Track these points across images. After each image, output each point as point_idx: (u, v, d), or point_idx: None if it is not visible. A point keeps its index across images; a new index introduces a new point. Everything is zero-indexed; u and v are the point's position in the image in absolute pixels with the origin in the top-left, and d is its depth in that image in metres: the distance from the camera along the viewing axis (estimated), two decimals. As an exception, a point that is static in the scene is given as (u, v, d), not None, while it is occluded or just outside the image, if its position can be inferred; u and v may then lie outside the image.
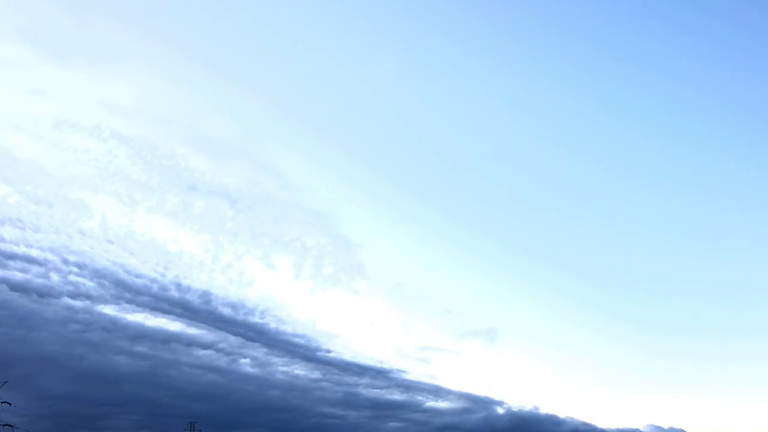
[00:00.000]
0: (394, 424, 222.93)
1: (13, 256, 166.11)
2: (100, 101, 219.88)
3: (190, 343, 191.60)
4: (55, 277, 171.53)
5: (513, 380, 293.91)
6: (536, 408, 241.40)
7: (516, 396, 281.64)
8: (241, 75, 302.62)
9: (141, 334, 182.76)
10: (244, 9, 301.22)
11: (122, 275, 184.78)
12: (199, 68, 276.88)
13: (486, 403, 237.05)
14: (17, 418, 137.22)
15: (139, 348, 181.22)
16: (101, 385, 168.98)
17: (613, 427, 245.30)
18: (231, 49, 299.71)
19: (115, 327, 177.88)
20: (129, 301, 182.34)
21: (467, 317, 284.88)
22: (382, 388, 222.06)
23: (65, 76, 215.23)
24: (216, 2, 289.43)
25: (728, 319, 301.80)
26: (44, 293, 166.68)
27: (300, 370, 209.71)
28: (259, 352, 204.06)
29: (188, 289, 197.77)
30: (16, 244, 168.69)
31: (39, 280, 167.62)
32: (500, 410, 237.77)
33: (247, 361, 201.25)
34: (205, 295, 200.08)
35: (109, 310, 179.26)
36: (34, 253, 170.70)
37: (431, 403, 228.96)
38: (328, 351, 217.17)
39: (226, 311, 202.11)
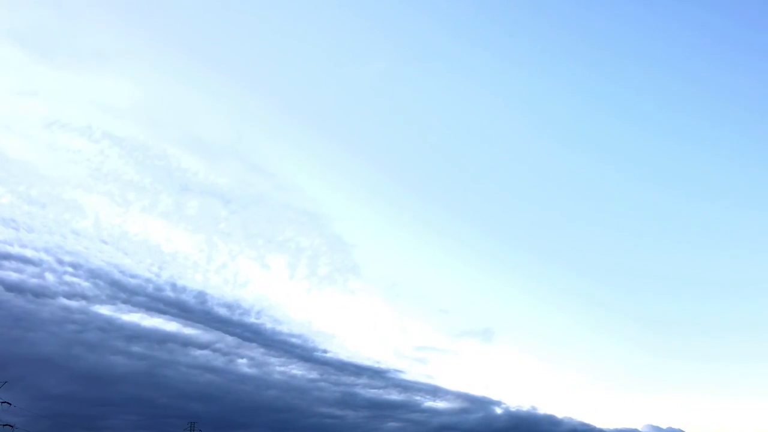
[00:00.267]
0: (392, 424, 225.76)
1: (7, 257, 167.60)
2: (91, 102, 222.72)
3: (186, 343, 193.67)
4: (50, 277, 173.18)
5: (510, 380, 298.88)
6: (534, 408, 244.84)
7: (514, 396, 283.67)
8: (232, 74, 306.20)
9: (137, 335, 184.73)
10: (236, 9, 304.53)
11: (117, 275, 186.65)
12: (189, 68, 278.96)
13: (484, 403, 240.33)
14: (17, 418, 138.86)
15: (136, 348, 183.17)
16: (99, 385, 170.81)
17: (611, 427, 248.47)
18: (222, 48, 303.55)
19: (111, 327, 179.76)
20: (125, 301, 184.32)
21: (464, 317, 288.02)
22: (379, 388, 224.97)
23: (56, 76, 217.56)
24: (208, 3, 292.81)
25: (728, 319, 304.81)
26: (40, 293, 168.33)
27: (297, 370, 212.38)
28: (256, 352, 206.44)
29: (183, 289, 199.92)
30: (11, 245, 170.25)
31: (34, 281, 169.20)
32: (498, 410, 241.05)
33: (244, 361, 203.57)
34: (201, 296, 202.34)
35: (104, 310, 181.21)
36: (29, 253, 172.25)
37: (429, 403, 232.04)
38: (325, 351, 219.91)
39: (222, 311, 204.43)
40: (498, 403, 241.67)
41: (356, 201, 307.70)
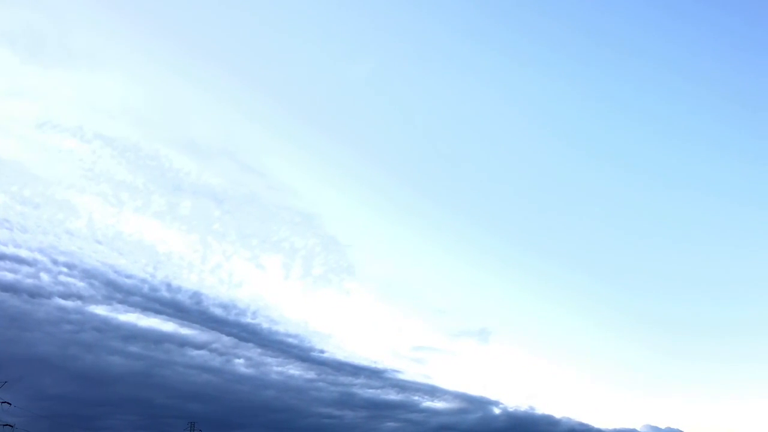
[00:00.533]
0: (391, 424, 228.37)
1: (2, 257, 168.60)
2: (82, 102, 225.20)
3: (183, 343, 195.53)
4: (45, 277, 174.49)
5: (508, 380, 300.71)
6: (532, 408, 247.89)
7: (511, 396, 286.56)
8: (223, 74, 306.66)
9: (134, 335, 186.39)
10: (228, 9, 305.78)
11: (112, 276, 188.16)
12: (180, 68, 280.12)
13: (482, 404, 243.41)
14: (16, 419, 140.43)
15: (133, 348, 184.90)
16: (97, 385, 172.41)
17: (609, 427, 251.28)
18: (214, 48, 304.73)
19: (107, 327, 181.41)
20: (120, 302, 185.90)
21: (460, 317, 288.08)
22: (377, 388, 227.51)
23: (46, 77, 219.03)
24: (199, 2, 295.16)
25: (727, 319, 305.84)
26: (35, 293, 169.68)
27: (295, 370, 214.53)
28: (253, 352, 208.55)
29: (178, 289, 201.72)
30: (5, 245, 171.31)
31: (29, 281, 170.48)
32: (496, 410, 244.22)
33: (242, 361, 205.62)
34: (196, 296, 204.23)
35: (100, 310, 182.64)
36: (23, 253, 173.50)
37: (428, 403, 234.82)
38: (322, 351, 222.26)
39: (218, 311, 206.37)
40: (496, 403, 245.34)
41: (350, 201, 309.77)
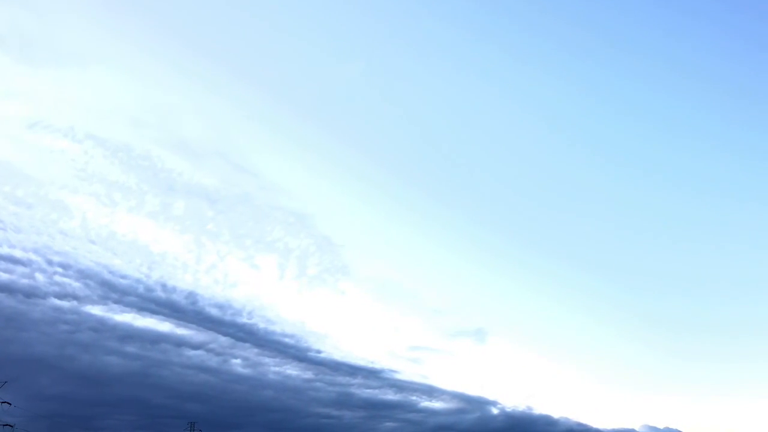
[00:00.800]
0: (389, 424, 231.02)
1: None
2: (73, 103, 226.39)
3: (179, 343, 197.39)
4: (40, 277, 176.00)
5: (506, 380, 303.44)
6: (530, 408, 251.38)
7: (509, 396, 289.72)
8: (214, 74, 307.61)
9: (130, 335, 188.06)
10: (219, 9, 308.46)
11: (107, 276, 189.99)
12: (170, 68, 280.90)
13: (480, 404, 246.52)
14: (15, 419, 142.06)
15: (130, 348, 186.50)
16: (94, 385, 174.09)
17: (608, 427, 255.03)
18: (204, 48, 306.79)
19: (103, 327, 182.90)
20: (116, 302, 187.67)
21: (457, 317, 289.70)
22: (375, 388, 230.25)
23: (36, 78, 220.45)
24: (190, 2, 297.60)
25: (727, 318, 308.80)
26: (30, 294, 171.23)
27: (292, 370, 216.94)
28: (250, 352, 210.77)
29: (174, 289, 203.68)
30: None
31: (24, 281, 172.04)
32: (494, 410, 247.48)
33: (239, 361, 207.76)
34: (191, 296, 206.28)
35: (96, 310, 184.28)
36: (18, 253, 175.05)
37: (426, 403, 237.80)
38: (319, 351, 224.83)
39: (214, 312, 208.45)
40: (494, 403, 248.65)
41: (344, 201, 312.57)
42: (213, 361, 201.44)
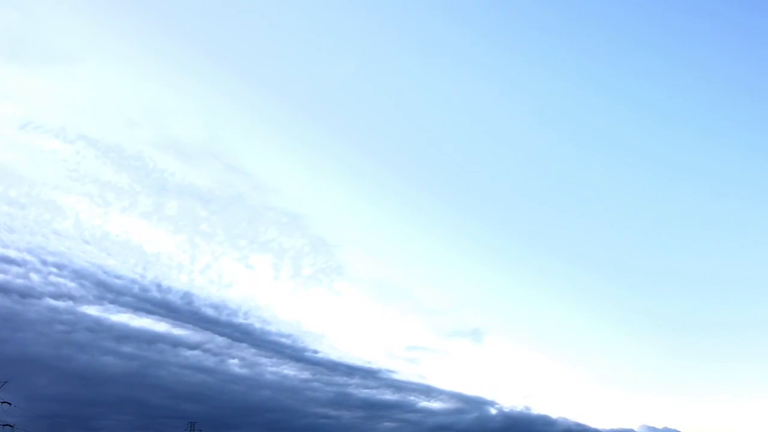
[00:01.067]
0: (388, 424, 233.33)
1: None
2: (63, 103, 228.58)
3: (176, 343, 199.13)
4: (35, 277, 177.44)
5: (504, 380, 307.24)
6: (527, 408, 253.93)
7: (507, 396, 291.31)
8: (205, 74, 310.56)
9: (126, 335, 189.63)
10: (210, 8, 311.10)
11: (102, 276, 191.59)
12: (161, 68, 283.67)
13: (478, 404, 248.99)
14: (15, 419, 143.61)
15: (126, 348, 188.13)
16: (91, 385, 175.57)
17: (606, 427, 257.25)
18: (195, 47, 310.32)
19: (99, 327, 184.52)
20: (112, 302, 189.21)
21: (453, 316, 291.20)
22: (373, 388, 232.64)
23: (26, 78, 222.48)
24: (181, 2, 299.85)
25: (726, 318, 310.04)
26: (26, 294, 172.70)
27: (289, 371, 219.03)
28: (247, 352, 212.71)
29: (169, 290, 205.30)
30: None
31: (19, 281, 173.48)
32: (492, 410, 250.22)
33: (236, 361, 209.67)
34: (187, 296, 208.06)
35: (92, 310, 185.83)
36: (12, 253, 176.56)
37: (424, 403, 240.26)
38: (316, 351, 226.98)
39: (210, 312, 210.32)
40: (492, 403, 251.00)
41: (337, 201, 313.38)
42: (210, 361, 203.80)
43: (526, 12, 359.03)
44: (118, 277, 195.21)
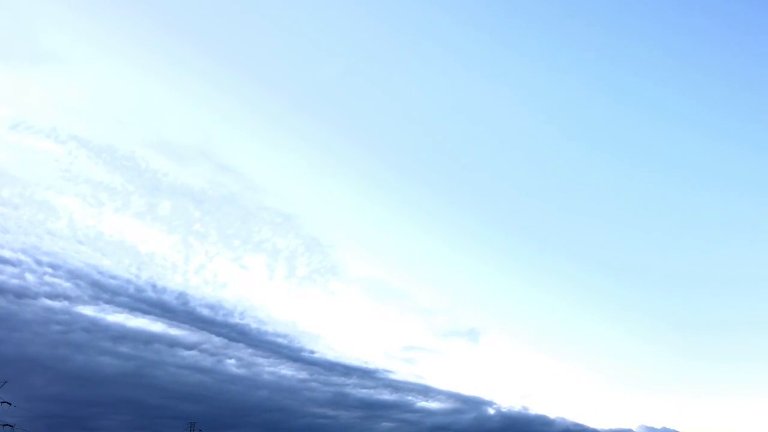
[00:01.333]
0: (386, 424, 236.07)
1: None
2: (54, 103, 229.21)
3: (173, 344, 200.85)
4: (30, 277, 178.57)
5: (501, 380, 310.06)
6: (525, 408, 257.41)
7: (505, 396, 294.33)
8: (197, 73, 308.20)
9: (123, 335, 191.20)
10: (200, 8, 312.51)
11: (97, 276, 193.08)
12: (151, 68, 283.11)
13: (476, 404, 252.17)
14: (14, 419, 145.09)
15: (123, 349, 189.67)
16: (89, 385, 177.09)
17: (605, 427, 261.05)
18: (187, 47, 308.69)
19: (96, 328, 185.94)
20: (107, 302, 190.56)
21: (449, 316, 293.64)
22: (370, 388, 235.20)
23: (16, 78, 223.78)
24: (171, 1, 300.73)
25: (726, 318, 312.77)
26: (21, 294, 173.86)
27: (287, 371, 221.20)
28: (244, 352, 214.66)
29: (164, 290, 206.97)
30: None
31: (15, 281, 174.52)
32: (491, 410, 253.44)
33: (233, 361, 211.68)
34: (182, 296, 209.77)
35: (88, 310, 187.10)
36: (6, 254, 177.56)
37: (422, 403, 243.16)
38: (312, 351, 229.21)
39: (206, 312, 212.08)
40: (490, 404, 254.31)
41: (331, 201, 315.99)
42: (207, 361, 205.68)
43: (529, 9, 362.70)
44: (113, 277, 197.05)
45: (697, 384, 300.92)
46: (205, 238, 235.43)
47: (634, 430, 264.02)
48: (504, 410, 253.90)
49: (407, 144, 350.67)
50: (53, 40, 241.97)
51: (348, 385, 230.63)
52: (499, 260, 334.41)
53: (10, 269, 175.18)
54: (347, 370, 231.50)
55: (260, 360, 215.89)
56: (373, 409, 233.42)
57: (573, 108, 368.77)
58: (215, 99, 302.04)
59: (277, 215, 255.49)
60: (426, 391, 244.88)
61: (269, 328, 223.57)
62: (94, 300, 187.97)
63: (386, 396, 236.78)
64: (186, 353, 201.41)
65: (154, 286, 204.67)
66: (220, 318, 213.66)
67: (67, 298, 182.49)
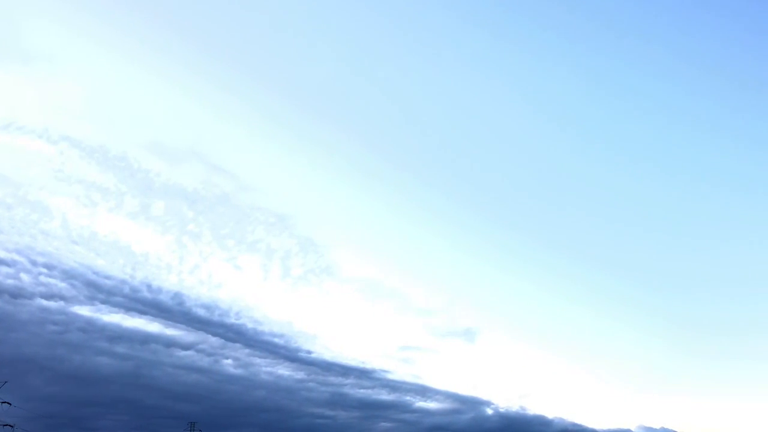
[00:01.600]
0: (385, 425, 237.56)
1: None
2: (46, 103, 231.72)
3: (170, 344, 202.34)
4: (25, 278, 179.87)
5: (499, 380, 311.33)
6: (523, 408, 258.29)
7: (503, 396, 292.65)
8: (188, 74, 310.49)
9: (119, 335, 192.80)
10: (193, 8, 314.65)
11: (92, 276, 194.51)
12: (143, 68, 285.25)
13: (474, 404, 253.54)
14: (14, 419, 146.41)
15: (120, 349, 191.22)
16: (86, 385, 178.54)
17: (603, 427, 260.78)
18: (179, 48, 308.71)
19: (92, 328, 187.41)
20: (103, 302, 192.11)
21: (446, 316, 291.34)
22: (368, 388, 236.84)
23: (7, 78, 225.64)
24: (164, 2, 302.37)
25: (725, 318, 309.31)
26: (17, 294, 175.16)
27: (284, 371, 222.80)
28: (241, 353, 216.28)
29: (159, 290, 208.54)
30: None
31: (10, 281, 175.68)
32: (489, 411, 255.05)
33: (230, 361, 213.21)
34: (178, 297, 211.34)
35: (84, 311, 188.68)
36: (1, 254, 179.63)
37: (420, 403, 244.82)
38: (309, 351, 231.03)
39: (202, 312, 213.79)
40: (488, 404, 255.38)
41: (324, 200, 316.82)
42: (204, 361, 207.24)
43: (529, 7, 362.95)
44: (107, 277, 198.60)
45: (696, 384, 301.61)
46: (199, 238, 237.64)
47: (633, 430, 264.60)
48: (502, 410, 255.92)
49: (402, 143, 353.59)
50: (45, 40, 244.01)
51: (346, 385, 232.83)
52: (496, 260, 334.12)
53: (5, 269, 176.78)
54: (345, 370, 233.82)
55: (257, 360, 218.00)
56: (371, 409, 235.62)
57: (571, 106, 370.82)
58: (208, 99, 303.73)
59: (271, 215, 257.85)
60: (423, 391, 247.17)
61: (265, 328, 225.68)
62: (90, 300, 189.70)
63: (384, 396, 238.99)
64: (183, 353, 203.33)
65: (149, 287, 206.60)
66: (216, 318, 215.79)
67: (62, 298, 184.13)
